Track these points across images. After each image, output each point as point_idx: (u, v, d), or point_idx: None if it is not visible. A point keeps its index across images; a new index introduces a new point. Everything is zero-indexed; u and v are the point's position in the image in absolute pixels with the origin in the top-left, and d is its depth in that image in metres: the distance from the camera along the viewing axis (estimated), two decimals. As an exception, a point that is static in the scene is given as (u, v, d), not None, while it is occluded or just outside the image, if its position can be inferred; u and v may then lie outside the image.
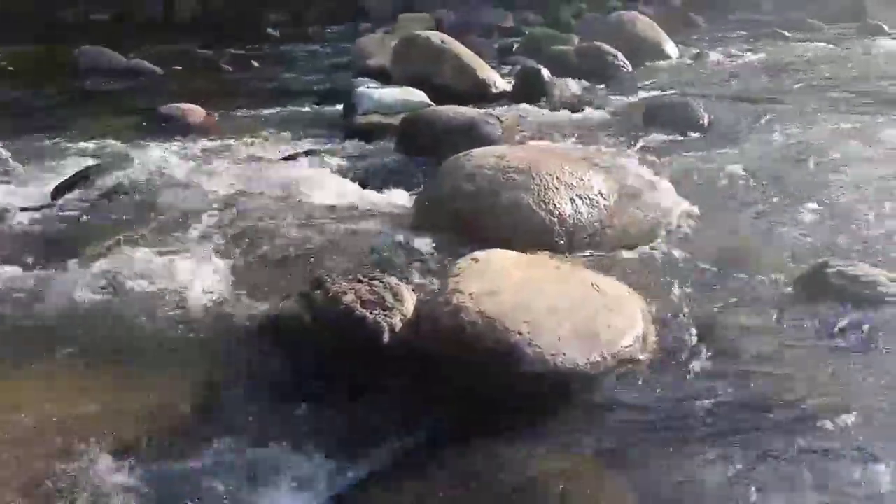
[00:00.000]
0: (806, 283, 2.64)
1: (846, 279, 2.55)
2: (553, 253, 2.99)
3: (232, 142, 5.21)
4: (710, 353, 2.25)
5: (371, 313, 2.27)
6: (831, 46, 8.90)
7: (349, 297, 2.33)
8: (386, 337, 2.24)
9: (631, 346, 2.18)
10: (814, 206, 3.48)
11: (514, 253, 2.64)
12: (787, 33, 10.18)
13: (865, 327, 2.34)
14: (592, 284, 2.41)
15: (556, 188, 3.26)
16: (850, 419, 1.92)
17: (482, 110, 5.14)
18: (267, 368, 2.29)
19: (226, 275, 2.87)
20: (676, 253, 3.01)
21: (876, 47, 8.75)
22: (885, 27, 10.13)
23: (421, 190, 3.68)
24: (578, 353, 2.08)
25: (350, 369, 2.23)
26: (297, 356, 2.31)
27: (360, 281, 2.43)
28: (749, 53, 8.69)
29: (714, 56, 8.38)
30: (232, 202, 3.72)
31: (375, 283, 2.40)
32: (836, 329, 2.35)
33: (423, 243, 3.07)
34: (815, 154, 4.32)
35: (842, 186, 3.75)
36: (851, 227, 3.22)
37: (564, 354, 2.07)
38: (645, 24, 8.85)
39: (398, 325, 2.27)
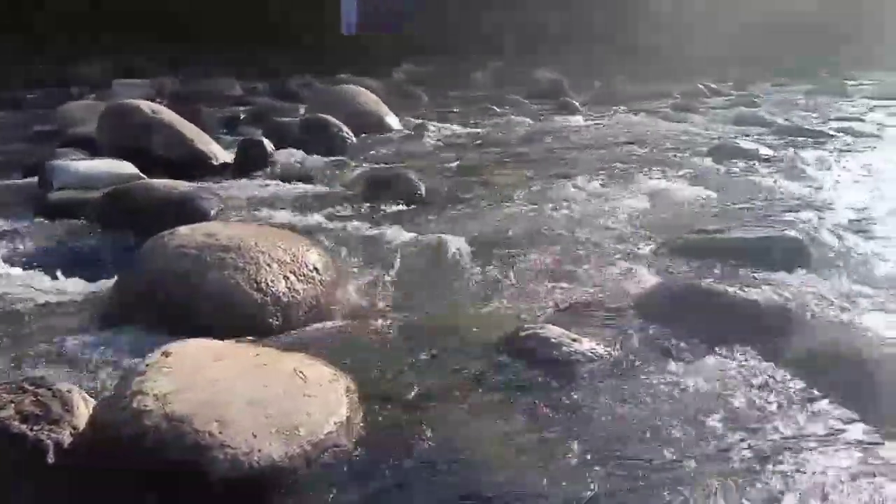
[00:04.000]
0: (505, 347, 2.78)
1: (537, 341, 2.74)
2: (266, 335, 2.85)
3: None
4: (415, 428, 2.24)
5: (32, 429, 1.95)
6: (534, 122, 9.94)
7: (6, 412, 1.98)
8: (51, 456, 1.92)
9: (333, 432, 2.10)
10: (520, 271, 3.73)
11: (214, 342, 2.46)
12: (497, 108, 11.22)
13: (553, 385, 2.51)
14: (295, 370, 2.31)
15: (269, 266, 3.14)
16: (554, 481, 2.00)
17: (197, 184, 4.91)
18: None
19: None
20: (391, 327, 3.02)
21: (570, 122, 9.96)
22: (578, 105, 11.60)
23: (118, 275, 3.34)
24: (275, 448, 1.95)
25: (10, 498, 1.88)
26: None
27: (24, 390, 2.08)
28: (464, 126, 9.40)
29: (433, 128, 8.92)
30: None
31: (42, 391, 2.07)
32: (530, 390, 2.49)
33: (116, 338, 2.76)
34: (523, 221, 4.70)
35: (544, 251, 4.07)
36: (551, 290, 3.47)
37: (260, 451, 1.93)
38: (368, 97, 9.21)
39: (67, 439, 1.97)
